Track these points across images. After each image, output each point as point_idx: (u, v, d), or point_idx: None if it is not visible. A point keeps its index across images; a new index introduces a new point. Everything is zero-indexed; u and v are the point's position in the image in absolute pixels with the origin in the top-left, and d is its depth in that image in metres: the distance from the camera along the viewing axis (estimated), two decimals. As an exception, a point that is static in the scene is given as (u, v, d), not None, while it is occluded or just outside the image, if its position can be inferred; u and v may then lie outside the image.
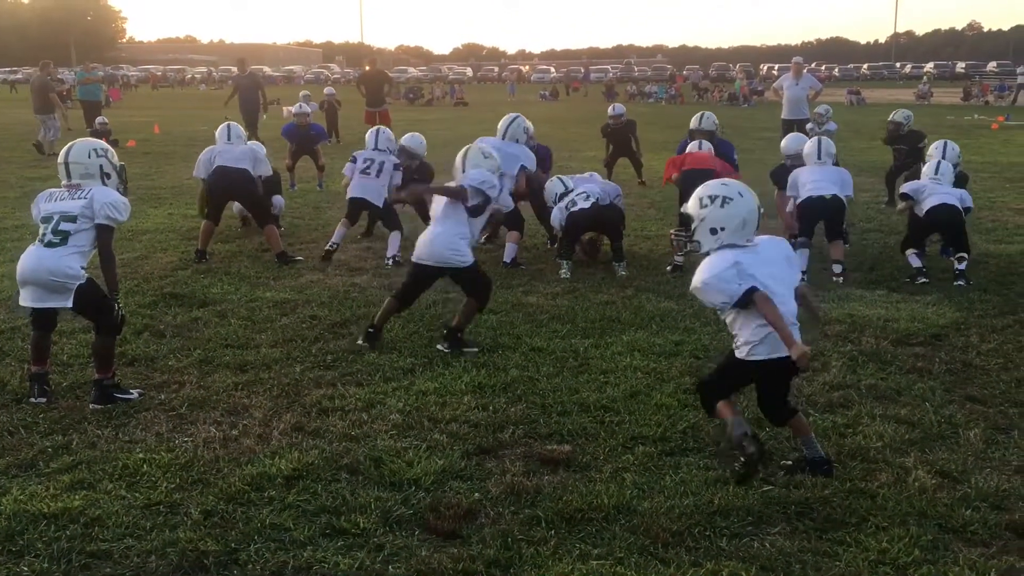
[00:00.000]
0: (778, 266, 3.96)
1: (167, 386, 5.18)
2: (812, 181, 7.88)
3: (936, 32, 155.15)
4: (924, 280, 7.47)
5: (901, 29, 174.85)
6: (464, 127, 25.57)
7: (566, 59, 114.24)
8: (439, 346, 5.84)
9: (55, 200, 4.98)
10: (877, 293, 7.20)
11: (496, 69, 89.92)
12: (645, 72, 76.66)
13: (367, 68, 20.79)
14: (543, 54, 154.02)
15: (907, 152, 11.41)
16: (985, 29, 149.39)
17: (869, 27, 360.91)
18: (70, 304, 4.88)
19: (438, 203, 5.99)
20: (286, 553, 3.43)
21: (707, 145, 8.93)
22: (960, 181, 8.26)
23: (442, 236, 5.84)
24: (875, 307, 6.79)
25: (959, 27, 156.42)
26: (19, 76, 62.63)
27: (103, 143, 5.25)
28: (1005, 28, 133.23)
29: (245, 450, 4.32)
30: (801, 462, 4.10)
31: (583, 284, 7.50)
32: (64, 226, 4.87)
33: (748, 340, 3.94)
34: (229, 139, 8.63)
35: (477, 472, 4.11)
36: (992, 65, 71.83)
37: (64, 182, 5.05)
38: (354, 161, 8.73)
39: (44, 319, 5.04)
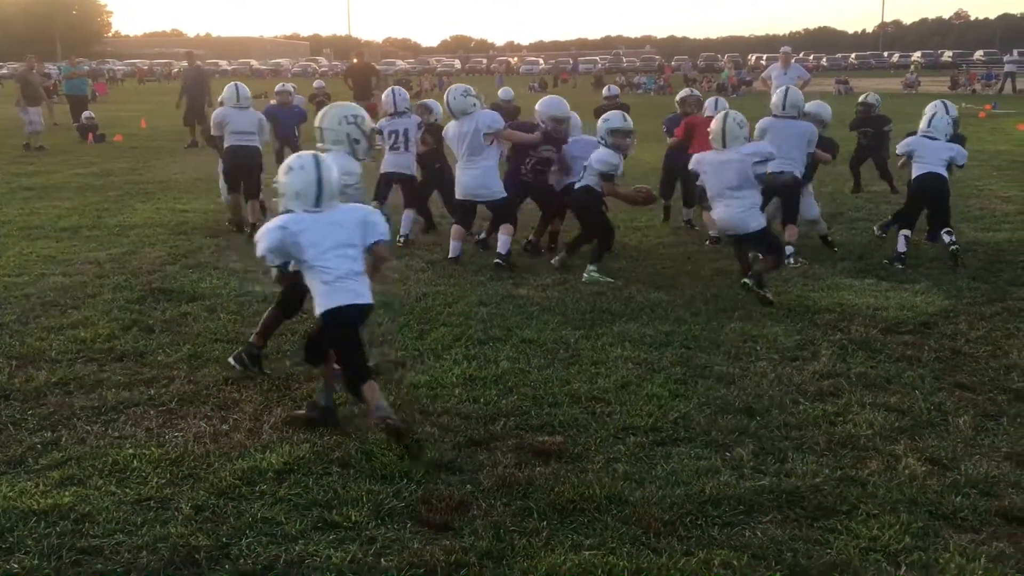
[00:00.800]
0: (344, 228, 4.34)
1: (156, 381, 5.15)
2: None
3: (923, 21, 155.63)
4: (900, 267, 7.55)
5: (888, 18, 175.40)
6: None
7: (555, 50, 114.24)
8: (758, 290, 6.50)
9: None
10: (866, 282, 7.22)
11: (484, 61, 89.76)
12: (634, 63, 76.54)
13: (355, 61, 20.73)
14: (532, 46, 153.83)
15: (872, 135, 11.51)
16: (972, 18, 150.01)
17: (857, 17, 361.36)
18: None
19: (733, 177, 6.68)
20: (278, 547, 3.42)
21: (723, 103, 8.86)
22: (958, 142, 8.21)
23: (744, 205, 6.70)
24: (864, 296, 6.81)
25: (946, 16, 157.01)
26: (4, 71, 62.19)
27: (356, 109, 5.56)
28: (992, 16, 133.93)
29: (236, 444, 4.30)
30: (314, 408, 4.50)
31: (573, 276, 7.49)
32: None
33: (313, 294, 4.35)
34: (238, 100, 9.29)
35: (468, 464, 4.10)
36: (979, 54, 71.97)
37: (319, 145, 5.36)
38: (380, 133, 8.77)
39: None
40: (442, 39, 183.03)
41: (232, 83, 9.60)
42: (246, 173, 9.37)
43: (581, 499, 3.75)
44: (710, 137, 6.87)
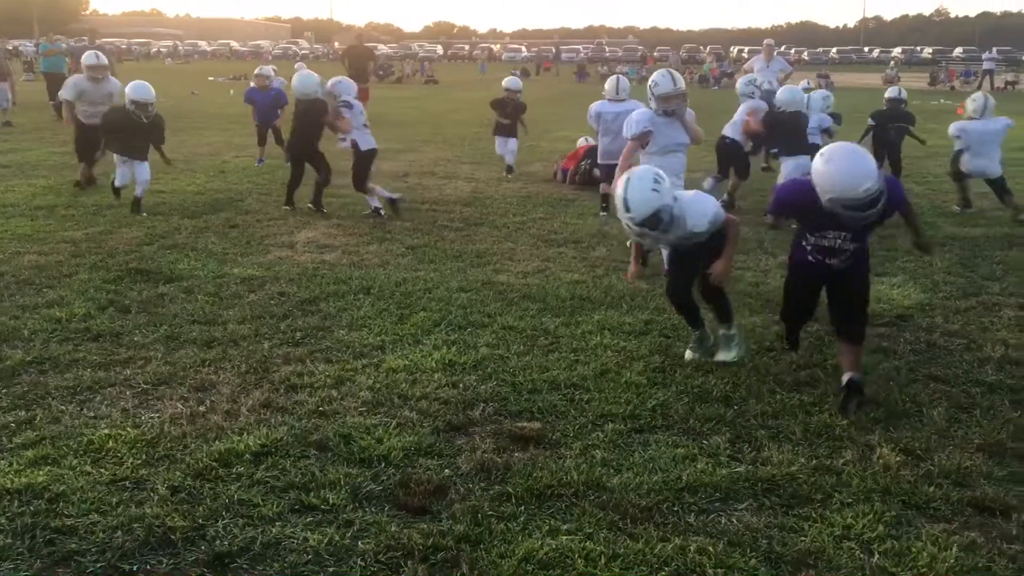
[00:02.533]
0: None
1: (132, 362, 5.11)
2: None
3: (904, 17, 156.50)
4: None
5: (870, 14, 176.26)
6: (434, 105, 25.61)
7: (537, 39, 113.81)
8: None
9: None
10: (844, 274, 7.27)
11: (467, 47, 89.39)
12: (616, 53, 76.48)
13: (336, 45, 20.56)
14: (514, 33, 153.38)
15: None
16: (952, 15, 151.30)
17: (838, 11, 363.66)
18: None
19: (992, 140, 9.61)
20: (254, 529, 3.41)
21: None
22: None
23: (995, 157, 9.57)
24: (842, 288, 6.85)
25: (927, 13, 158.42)
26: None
27: None
28: (972, 14, 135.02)
29: (212, 426, 4.28)
30: None
31: (554, 264, 7.50)
32: None
33: None
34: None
35: (447, 449, 4.11)
36: (959, 51, 72.56)
37: None
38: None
39: None
40: (424, 24, 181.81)
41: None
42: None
43: (559, 485, 3.76)
44: (972, 109, 9.77)
